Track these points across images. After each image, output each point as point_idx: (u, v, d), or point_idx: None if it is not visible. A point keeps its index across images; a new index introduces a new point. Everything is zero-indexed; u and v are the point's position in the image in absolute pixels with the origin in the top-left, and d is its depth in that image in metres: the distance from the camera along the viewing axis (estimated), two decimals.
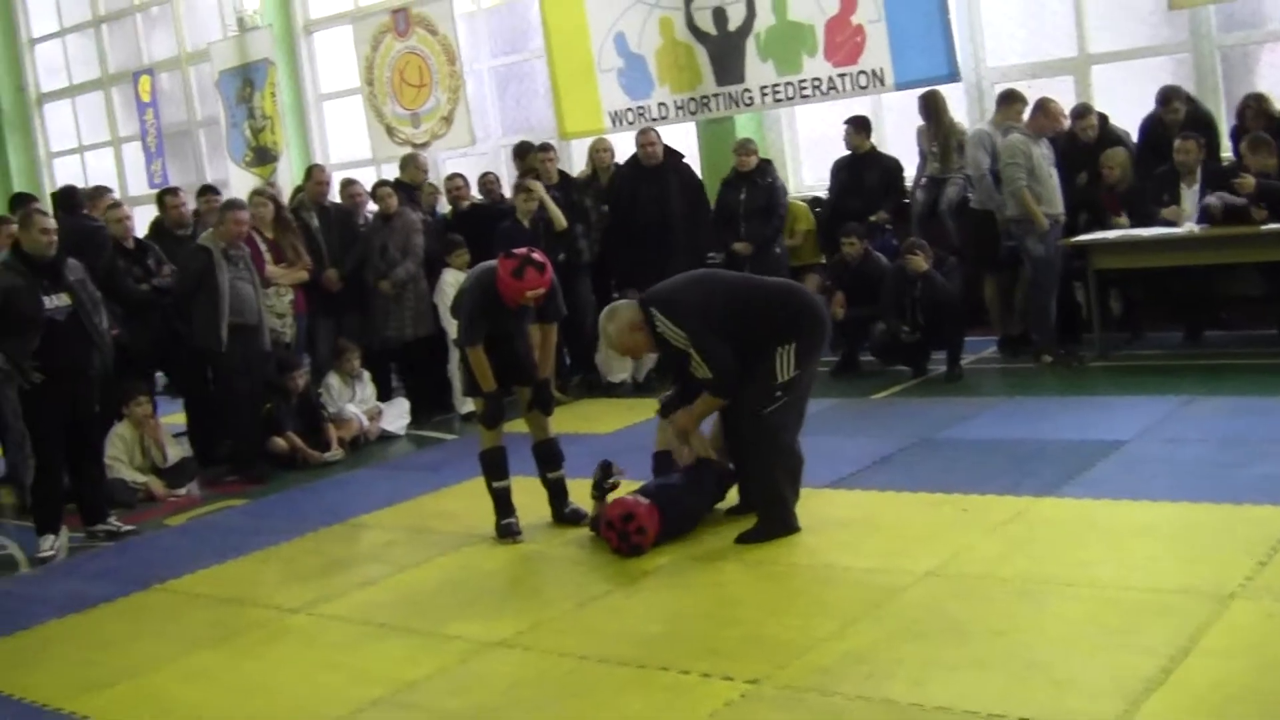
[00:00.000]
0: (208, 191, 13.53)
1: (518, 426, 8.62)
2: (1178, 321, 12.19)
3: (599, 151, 13.80)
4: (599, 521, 7.87)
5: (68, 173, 23.38)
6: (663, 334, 7.53)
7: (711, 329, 7.47)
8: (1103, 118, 12.29)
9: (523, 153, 14.31)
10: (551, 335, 8.48)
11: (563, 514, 8.48)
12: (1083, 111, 12.27)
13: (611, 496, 8.00)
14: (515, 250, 8.03)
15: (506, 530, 8.31)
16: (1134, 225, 11.54)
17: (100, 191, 13.06)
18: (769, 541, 7.50)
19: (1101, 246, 11.51)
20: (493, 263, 8.05)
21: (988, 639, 5.73)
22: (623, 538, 7.61)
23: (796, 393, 7.61)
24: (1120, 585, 6.18)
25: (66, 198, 14.07)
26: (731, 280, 8.31)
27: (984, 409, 10.46)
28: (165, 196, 12.85)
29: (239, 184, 18.08)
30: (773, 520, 7.61)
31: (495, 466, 8.37)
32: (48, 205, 13.83)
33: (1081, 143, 12.16)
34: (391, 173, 15.58)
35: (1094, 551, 6.72)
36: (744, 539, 7.58)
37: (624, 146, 13.84)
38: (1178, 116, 11.79)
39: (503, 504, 8.39)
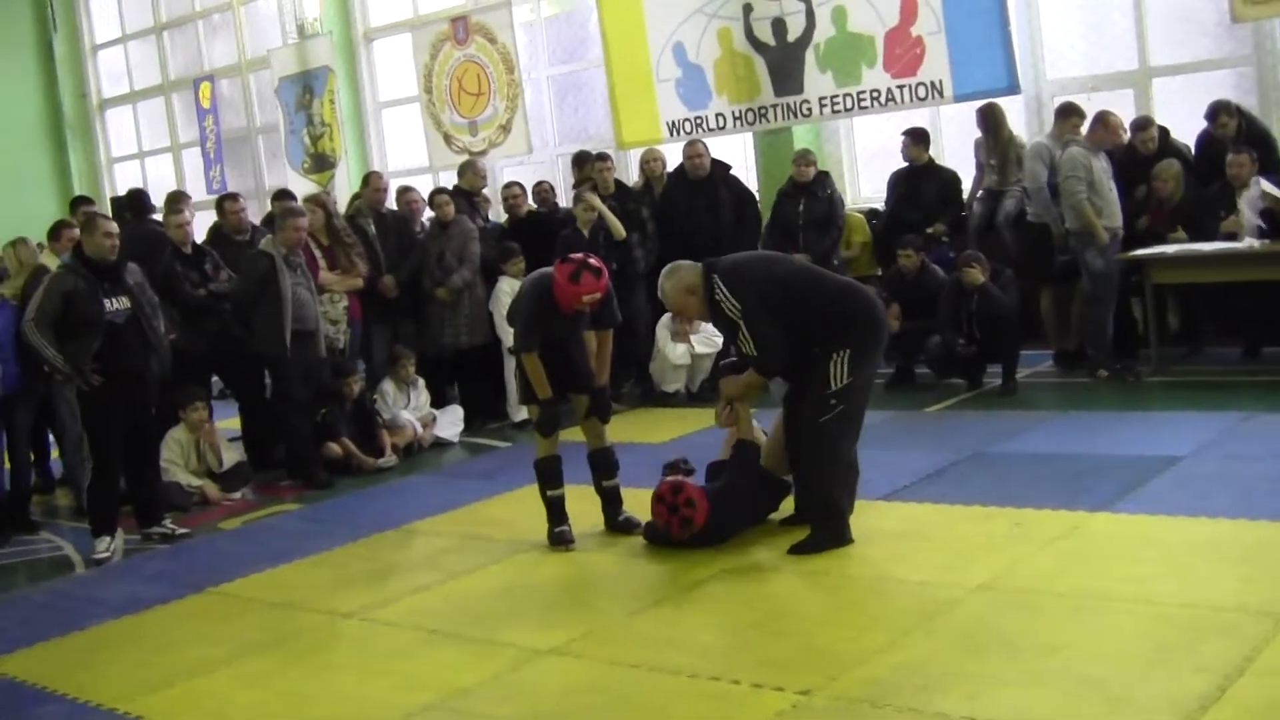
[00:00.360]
0: (283, 195, 13.61)
1: (573, 434, 8.62)
2: (1237, 337, 12.08)
3: (649, 162, 13.81)
4: (654, 516, 7.91)
5: (128, 178, 23.60)
6: (719, 301, 7.56)
7: (766, 308, 7.48)
8: (1163, 131, 12.21)
9: (580, 161, 14.36)
10: (608, 342, 8.49)
11: (616, 522, 8.47)
12: (1143, 124, 12.19)
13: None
14: (572, 255, 8.06)
15: (559, 538, 8.31)
16: (1187, 239, 11.49)
17: (180, 196, 13.16)
18: (822, 553, 7.48)
19: (1160, 261, 11.43)
20: (549, 269, 8.07)
21: (1041, 654, 5.69)
22: (672, 510, 7.68)
23: (853, 401, 7.57)
24: (1176, 602, 6.14)
25: (135, 201, 14.16)
26: (797, 267, 8.23)
27: (1039, 423, 10.40)
28: (225, 202, 12.90)
29: (297, 191, 18.11)
30: (826, 531, 7.58)
31: (550, 475, 8.37)
32: (108, 209, 13.94)
33: (1141, 155, 12.09)
34: (449, 180, 15.64)
35: (1149, 568, 6.67)
36: (797, 549, 7.56)
37: (677, 157, 13.82)
38: (1227, 130, 11.73)
39: (556, 512, 8.39)
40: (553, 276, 7.94)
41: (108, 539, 9.47)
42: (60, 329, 9.21)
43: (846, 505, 7.68)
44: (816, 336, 7.53)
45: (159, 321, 9.69)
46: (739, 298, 7.49)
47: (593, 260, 8.00)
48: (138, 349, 9.43)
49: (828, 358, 7.47)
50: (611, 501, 8.53)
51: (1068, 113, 12.03)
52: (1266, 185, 10.94)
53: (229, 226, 12.59)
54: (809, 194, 13.09)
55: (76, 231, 10.31)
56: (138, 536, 9.83)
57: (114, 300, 9.31)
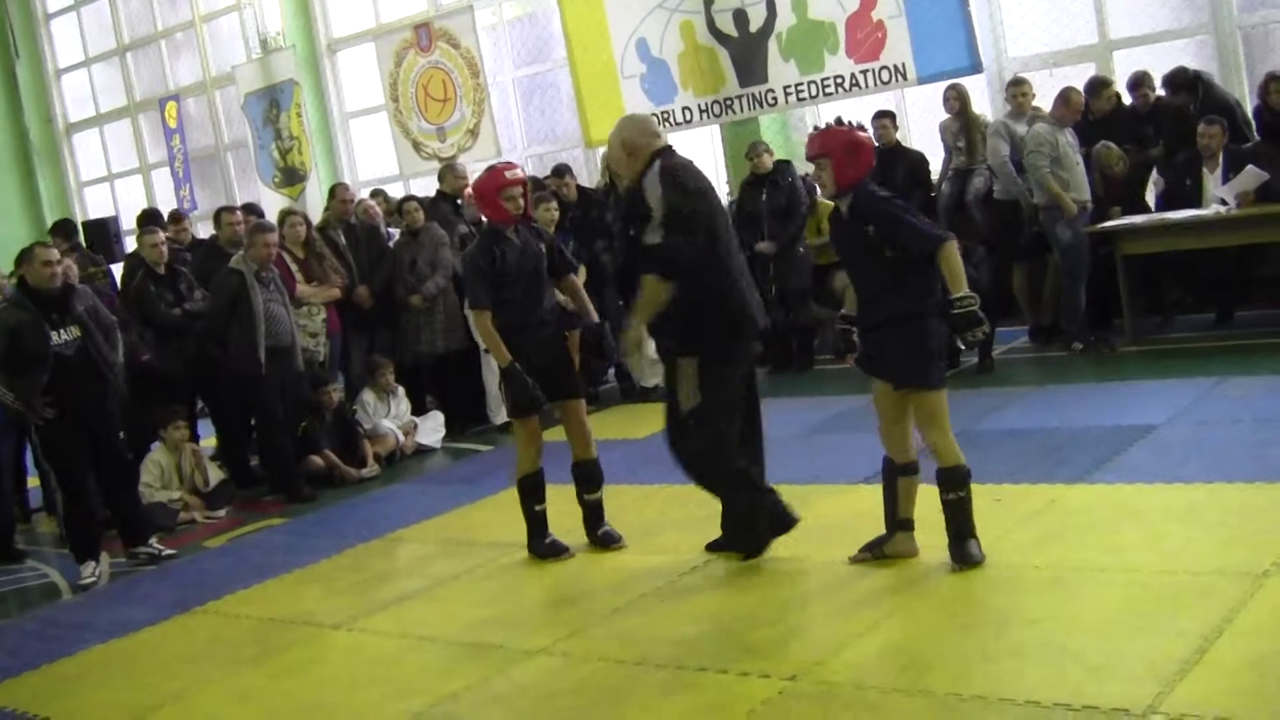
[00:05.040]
0: (249, 210, 13.56)
1: (554, 434, 8.53)
2: (1209, 304, 12.14)
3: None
4: None
5: (98, 201, 23.60)
6: (664, 183, 7.09)
7: (681, 228, 7.06)
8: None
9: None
10: (577, 284, 8.45)
11: (596, 535, 8.27)
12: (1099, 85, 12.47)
13: None
14: None
15: (553, 548, 8.15)
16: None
17: (153, 216, 13.10)
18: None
19: (1129, 231, 11.49)
20: None
21: (1023, 627, 5.75)
22: None
23: (718, 418, 7.20)
24: (1154, 569, 6.19)
25: (150, 219, 14.08)
26: (729, 240, 7.51)
27: (1016, 399, 10.46)
28: (222, 214, 12.74)
29: (269, 205, 18.11)
30: (740, 538, 7.48)
31: (534, 492, 8.15)
32: (81, 234, 13.89)
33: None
34: (420, 187, 15.62)
35: (1128, 537, 6.73)
36: (712, 547, 7.56)
37: None
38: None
39: (541, 526, 8.21)
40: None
41: (92, 564, 9.47)
42: (7, 364, 9.13)
43: (760, 510, 7.39)
44: (682, 321, 7.17)
45: (114, 346, 9.56)
46: (682, 194, 7.07)
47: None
48: (89, 379, 9.29)
49: (673, 363, 7.26)
50: (594, 514, 8.30)
51: (1010, 86, 12.54)
52: (1255, 170, 10.99)
53: (224, 239, 12.43)
54: (771, 183, 13.06)
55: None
56: (124, 559, 9.83)
57: (62, 331, 9.17)
